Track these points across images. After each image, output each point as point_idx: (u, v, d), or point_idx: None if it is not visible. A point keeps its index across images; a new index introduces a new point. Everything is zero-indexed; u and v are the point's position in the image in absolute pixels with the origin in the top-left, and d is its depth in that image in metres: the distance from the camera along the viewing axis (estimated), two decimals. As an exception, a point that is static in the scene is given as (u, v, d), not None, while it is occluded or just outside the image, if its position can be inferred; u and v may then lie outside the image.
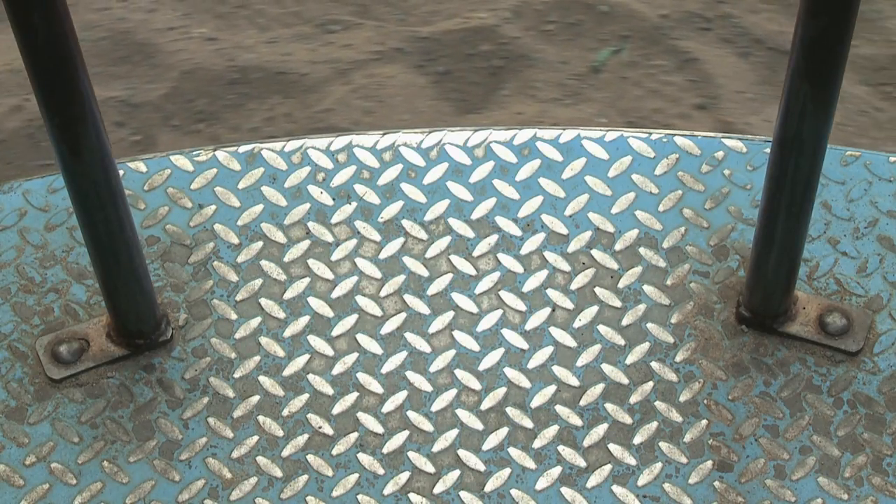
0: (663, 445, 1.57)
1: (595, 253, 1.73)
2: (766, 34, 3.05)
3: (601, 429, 1.59)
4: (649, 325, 1.66)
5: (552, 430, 1.59)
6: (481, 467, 1.57)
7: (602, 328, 1.67)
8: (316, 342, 1.66)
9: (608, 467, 1.56)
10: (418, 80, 2.99)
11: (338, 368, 1.64)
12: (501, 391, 1.62)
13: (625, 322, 1.67)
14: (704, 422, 1.59)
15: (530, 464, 1.57)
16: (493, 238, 1.74)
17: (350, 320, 1.68)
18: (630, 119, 2.90)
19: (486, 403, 1.61)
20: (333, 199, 1.78)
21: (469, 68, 2.98)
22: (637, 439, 1.58)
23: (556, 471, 1.56)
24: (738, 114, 2.91)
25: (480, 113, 2.84)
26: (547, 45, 3.04)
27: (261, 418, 1.60)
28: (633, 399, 1.61)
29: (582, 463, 1.57)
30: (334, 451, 1.58)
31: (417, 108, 2.93)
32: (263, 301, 1.70)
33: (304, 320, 1.68)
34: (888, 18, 3.11)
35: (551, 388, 1.62)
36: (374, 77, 3.02)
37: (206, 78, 3.04)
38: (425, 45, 3.06)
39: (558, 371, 1.63)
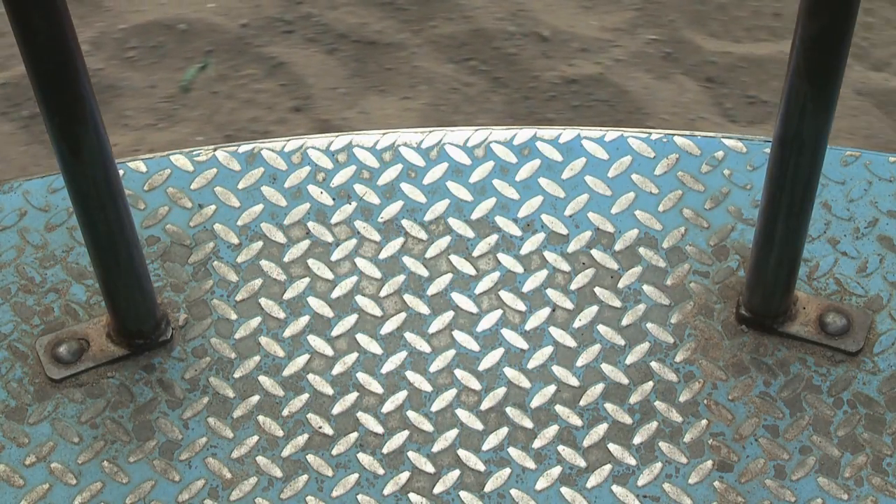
0: (663, 445, 1.57)
1: (595, 253, 1.73)
2: (349, 28, 3.04)
3: (601, 429, 1.59)
4: (649, 325, 1.66)
5: (552, 430, 1.59)
6: (481, 467, 1.57)
7: (602, 328, 1.67)
8: (316, 342, 1.66)
9: (608, 467, 1.56)
10: (4, 127, 2.96)
11: (338, 368, 1.64)
12: (501, 391, 1.62)
13: (625, 322, 1.67)
14: (704, 422, 1.59)
15: (530, 464, 1.57)
16: (493, 238, 1.74)
17: (350, 320, 1.68)
18: (228, 133, 2.88)
19: (486, 403, 1.61)
20: (333, 199, 1.78)
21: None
22: (637, 439, 1.58)
23: (555, 471, 1.56)
24: (334, 110, 2.91)
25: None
26: (132, 71, 3.02)
27: (261, 418, 1.60)
28: (633, 399, 1.61)
29: (582, 463, 1.57)
30: (334, 451, 1.58)
31: (9, 156, 2.90)
32: (263, 301, 1.70)
33: (304, 320, 1.68)
34: (460, -5, 3.13)
35: (551, 388, 1.62)
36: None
37: None
38: (4, 92, 3.04)
39: (558, 371, 1.63)
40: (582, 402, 1.61)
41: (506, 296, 1.70)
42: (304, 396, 1.62)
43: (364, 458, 1.57)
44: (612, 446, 1.58)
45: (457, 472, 1.56)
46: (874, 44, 3.04)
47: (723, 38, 3.03)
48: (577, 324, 1.67)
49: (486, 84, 2.94)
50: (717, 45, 3.00)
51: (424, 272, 1.72)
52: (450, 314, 1.68)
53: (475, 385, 1.63)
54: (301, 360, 1.65)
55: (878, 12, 3.12)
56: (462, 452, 1.58)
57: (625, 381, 1.62)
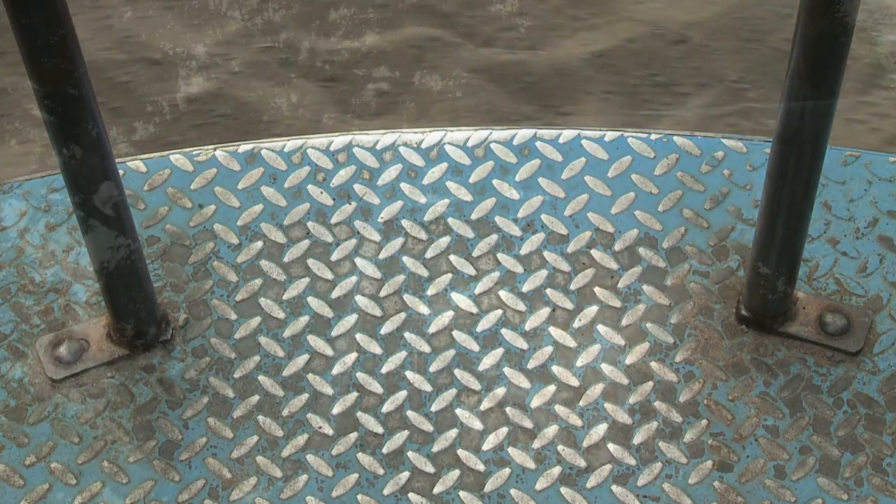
0: (663, 445, 1.57)
1: (595, 253, 1.73)
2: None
3: (601, 429, 1.59)
4: (649, 325, 1.66)
5: (552, 430, 1.59)
6: (481, 467, 1.57)
7: (602, 328, 1.67)
8: (316, 342, 1.66)
9: (608, 467, 1.56)
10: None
11: (338, 368, 1.64)
12: (501, 391, 1.62)
13: (625, 322, 1.67)
14: (704, 422, 1.59)
15: (530, 464, 1.57)
16: (493, 238, 1.74)
17: (350, 320, 1.68)
18: None
19: (486, 403, 1.61)
20: (333, 199, 1.78)
21: None
22: (637, 439, 1.58)
23: (556, 471, 1.56)
24: None
25: None
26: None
27: (260, 418, 1.60)
28: (633, 399, 1.61)
29: (582, 463, 1.57)
30: (334, 451, 1.58)
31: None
32: (263, 301, 1.70)
33: (303, 320, 1.68)
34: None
35: (551, 388, 1.62)
36: None
37: None
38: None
39: (558, 371, 1.63)
40: (582, 402, 1.61)
41: (506, 296, 1.70)
42: (304, 396, 1.62)
43: (364, 458, 1.57)
44: (612, 446, 1.58)
45: (457, 472, 1.56)
46: (482, 21, 3.05)
47: (334, 35, 3.02)
48: (577, 324, 1.67)
49: (105, 116, 2.92)
50: (330, 43, 3.00)
51: (424, 272, 1.72)
52: (450, 314, 1.68)
53: (475, 385, 1.63)
54: (301, 360, 1.65)
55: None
56: (462, 452, 1.58)
57: (625, 381, 1.62)
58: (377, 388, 1.62)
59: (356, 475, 1.56)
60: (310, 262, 1.73)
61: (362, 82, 2.96)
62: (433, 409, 1.61)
